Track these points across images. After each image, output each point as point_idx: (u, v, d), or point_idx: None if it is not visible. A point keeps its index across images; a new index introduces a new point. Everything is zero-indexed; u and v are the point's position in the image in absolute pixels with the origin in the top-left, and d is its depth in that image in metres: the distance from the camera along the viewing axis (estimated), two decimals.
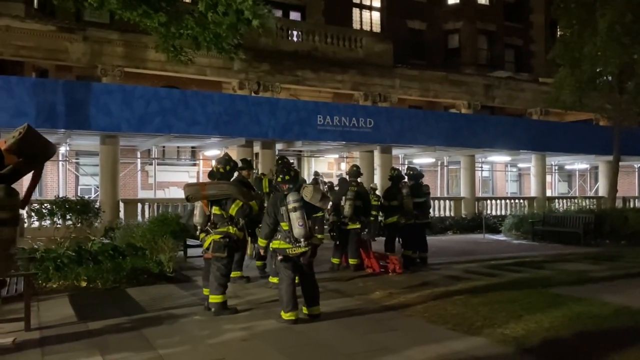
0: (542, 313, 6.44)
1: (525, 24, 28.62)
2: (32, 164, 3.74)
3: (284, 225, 6.17)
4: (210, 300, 6.59)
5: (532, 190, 22.86)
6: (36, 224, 11.97)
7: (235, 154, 15.52)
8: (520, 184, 27.54)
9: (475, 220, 18.56)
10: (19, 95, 12.95)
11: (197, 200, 6.79)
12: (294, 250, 6.13)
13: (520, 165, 25.99)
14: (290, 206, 6.06)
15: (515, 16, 28.11)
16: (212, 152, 18.08)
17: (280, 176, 6.36)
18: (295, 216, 6.05)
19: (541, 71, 26.49)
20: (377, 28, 24.66)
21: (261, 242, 6.41)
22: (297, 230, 6.04)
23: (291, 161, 10.15)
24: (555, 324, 5.98)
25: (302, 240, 6.07)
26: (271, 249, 6.36)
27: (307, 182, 9.45)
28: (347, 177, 10.31)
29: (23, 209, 9.97)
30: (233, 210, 6.55)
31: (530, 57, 28.65)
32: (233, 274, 8.39)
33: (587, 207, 19.79)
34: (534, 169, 22.55)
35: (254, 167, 14.27)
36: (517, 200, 22.20)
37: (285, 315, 6.10)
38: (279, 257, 6.21)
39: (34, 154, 3.68)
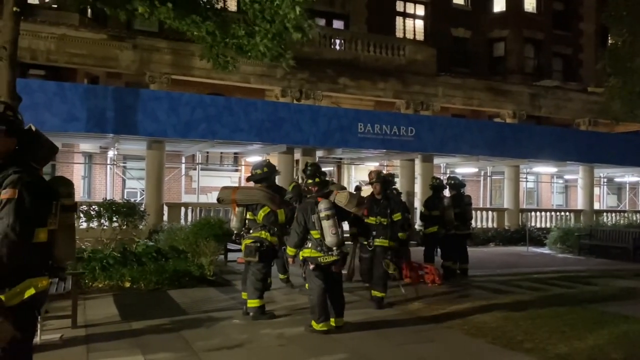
0: (586, 330, 6.24)
1: (575, 32, 27.83)
2: None
3: (314, 234, 6.04)
4: (248, 305, 6.67)
5: (579, 203, 22.14)
6: (84, 225, 12.37)
7: (276, 161, 15.70)
8: (566, 196, 26.74)
9: (519, 233, 18.17)
10: (72, 101, 13.45)
11: (227, 204, 6.96)
12: (326, 259, 6.02)
13: (567, 176, 25.24)
14: (323, 214, 5.94)
15: (564, 24, 27.37)
16: (254, 158, 18.28)
17: (311, 179, 6.37)
18: (327, 224, 5.92)
19: (590, 81, 25.70)
20: (420, 36, 24.50)
21: (290, 250, 6.29)
22: (330, 239, 5.92)
23: (330, 168, 10.12)
24: (601, 342, 5.78)
25: (334, 248, 5.97)
26: (301, 257, 6.24)
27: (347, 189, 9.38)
28: None
29: None
30: (260, 216, 6.59)
31: (579, 66, 27.83)
32: (281, 277, 8.57)
33: (638, 221, 19.03)
34: (581, 180, 21.85)
35: (295, 174, 14.34)
36: (562, 213, 21.56)
37: (317, 326, 6.02)
38: (311, 266, 6.09)
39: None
